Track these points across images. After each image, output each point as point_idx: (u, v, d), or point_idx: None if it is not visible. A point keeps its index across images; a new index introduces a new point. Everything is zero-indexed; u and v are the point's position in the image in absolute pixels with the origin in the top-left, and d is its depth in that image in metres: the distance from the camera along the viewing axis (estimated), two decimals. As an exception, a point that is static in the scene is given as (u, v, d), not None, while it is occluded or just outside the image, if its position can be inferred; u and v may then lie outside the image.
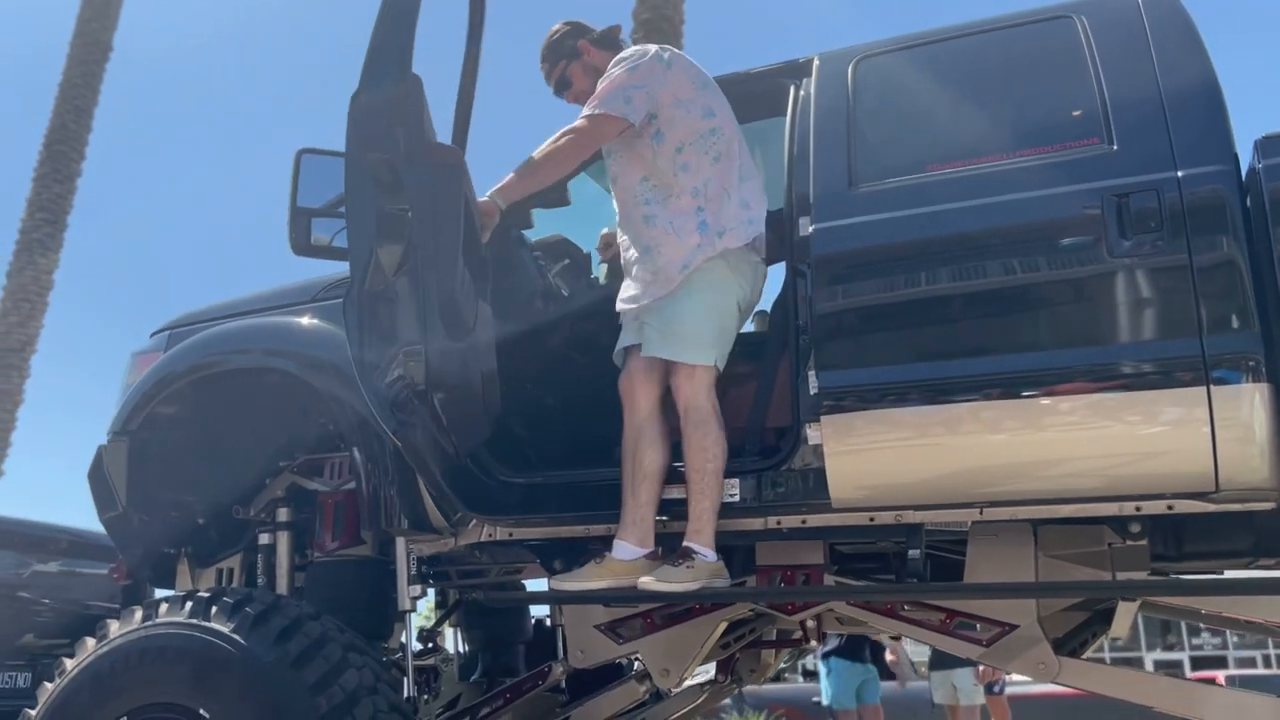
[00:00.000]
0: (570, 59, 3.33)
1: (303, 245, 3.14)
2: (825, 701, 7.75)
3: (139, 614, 3.08)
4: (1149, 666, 20.29)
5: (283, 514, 3.70)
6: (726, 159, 3.07)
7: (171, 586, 3.91)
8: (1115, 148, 2.65)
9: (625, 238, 3.17)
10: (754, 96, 3.38)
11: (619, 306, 3.14)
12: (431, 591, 4.11)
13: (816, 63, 3.21)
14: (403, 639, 3.49)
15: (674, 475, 2.99)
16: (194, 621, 2.95)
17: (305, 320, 3.41)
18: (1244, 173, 2.60)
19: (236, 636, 2.87)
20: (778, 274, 3.20)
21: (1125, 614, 3.08)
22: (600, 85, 3.07)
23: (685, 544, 2.85)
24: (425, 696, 3.68)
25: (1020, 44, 3.01)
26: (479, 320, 3.02)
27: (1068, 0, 2.98)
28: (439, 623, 4.32)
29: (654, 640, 3.26)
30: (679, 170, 3.04)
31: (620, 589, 2.91)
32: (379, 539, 3.44)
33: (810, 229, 2.89)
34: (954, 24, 3.13)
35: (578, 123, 3.06)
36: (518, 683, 3.79)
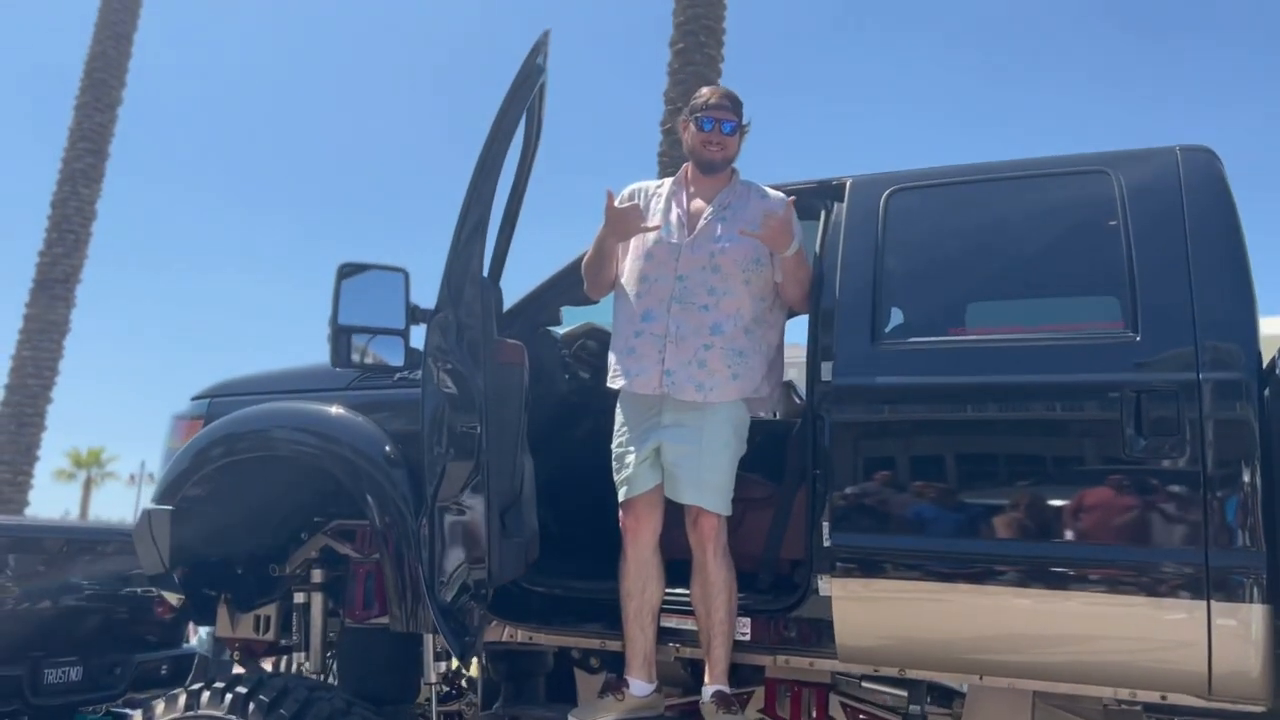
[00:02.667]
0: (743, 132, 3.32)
1: (344, 360, 3.23)
2: None
3: (182, 700, 3.28)
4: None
5: (316, 575, 3.88)
6: None
7: (213, 624, 4.17)
8: (1139, 338, 2.64)
9: (706, 336, 3.11)
10: None
11: (685, 395, 3.06)
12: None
13: (849, 186, 3.18)
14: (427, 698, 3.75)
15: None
16: (231, 718, 3.15)
17: (335, 411, 3.51)
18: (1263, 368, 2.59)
19: (270, 737, 3.07)
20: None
21: None
22: (792, 221, 3.10)
23: (719, 689, 2.98)
24: None
25: (1055, 195, 2.95)
26: (525, 480, 3.16)
27: (1107, 153, 2.92)
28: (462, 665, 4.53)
29: None
30: (778, 311, 3.27)
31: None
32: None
33: (830, 378, 2.93)
34: (991, 162, 3.08)
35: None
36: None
